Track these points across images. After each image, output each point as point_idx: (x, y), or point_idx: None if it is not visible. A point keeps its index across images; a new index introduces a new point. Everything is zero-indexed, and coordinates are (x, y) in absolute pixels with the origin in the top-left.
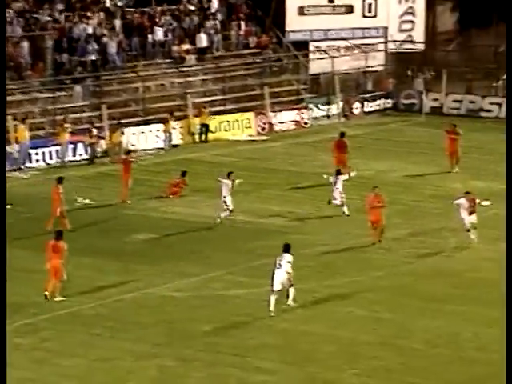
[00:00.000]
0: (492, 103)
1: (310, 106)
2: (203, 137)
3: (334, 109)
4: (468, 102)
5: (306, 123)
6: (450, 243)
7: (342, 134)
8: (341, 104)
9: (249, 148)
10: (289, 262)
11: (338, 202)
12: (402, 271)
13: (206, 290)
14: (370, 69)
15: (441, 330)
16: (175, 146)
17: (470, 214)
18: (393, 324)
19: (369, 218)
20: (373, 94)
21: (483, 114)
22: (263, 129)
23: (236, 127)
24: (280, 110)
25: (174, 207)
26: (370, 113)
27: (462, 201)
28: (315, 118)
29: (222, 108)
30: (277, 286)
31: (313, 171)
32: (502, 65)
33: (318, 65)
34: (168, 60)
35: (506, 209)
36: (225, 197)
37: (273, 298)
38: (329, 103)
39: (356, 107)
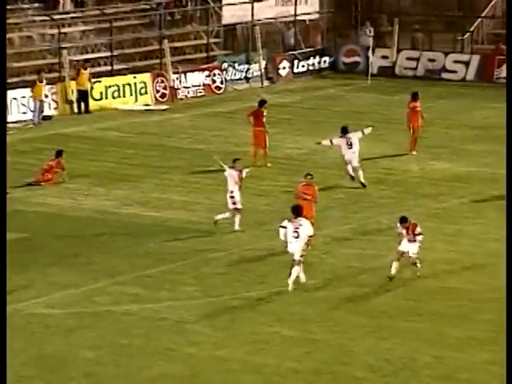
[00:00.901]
0: (457, 61)
1: (224, 65)
2: (83, 106)
3: (255, 69)
4: (426, 60)
5: (218, 88)
6: None
7: (262, 103)
8: (264, 63)
9: (144, 120)
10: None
11: None
12: (342, 279)
13: (87, 306)
14: (301, 17)
15: (391, 353)
16: (47, 117)
17: (410, 242)
18: (330, 347)
19: None
20: (305, 51)
21: (446, 75)
22: (163, 95)
23: (127, 93)
24: (185, 72)
25: (47, 198)
26: (301, 74)
27: (399, 230)
28: (231, 82)
29: (108, 68)
30: (297, 255)
31: (227, 150)
32: (469, 13)
33: (233, 12)
34: (37, 4)
35: (506, 210)
36: (232, 191)
37: (296, 270)
38: (248, 62)
39: (283, 67)
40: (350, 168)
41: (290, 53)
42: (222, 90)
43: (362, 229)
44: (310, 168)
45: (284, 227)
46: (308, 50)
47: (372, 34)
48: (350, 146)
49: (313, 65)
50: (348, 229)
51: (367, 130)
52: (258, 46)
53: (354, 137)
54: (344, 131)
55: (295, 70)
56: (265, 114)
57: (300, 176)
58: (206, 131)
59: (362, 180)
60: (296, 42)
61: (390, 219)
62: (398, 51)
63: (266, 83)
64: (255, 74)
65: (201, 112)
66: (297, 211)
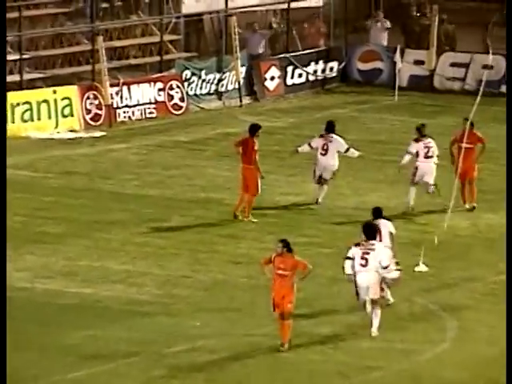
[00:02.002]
0: None
1: (186, 74)
2: None
3: (231, 80)
4: (480, 66)
5: (177, 107)
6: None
7: (254, 129)
8: (243, 71)
9: (69, 154)
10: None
11: None
12: None
13: None
14: (296, 4)
15: None
16: None
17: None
18: None
19: None
20: (303, 53)
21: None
22: (96, 117)
23: (44, 115)
24: (128, 83)
25: None
26: (297, 87)
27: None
28: (196, 98)
29: (15, 78)
30: (364, 295)
31: (191, 197)
32: None
33: None
34: None
35: (506, 209)
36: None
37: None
38: (221, 70)
39: (271, 77)
40: (318, 175)
41: (282, 56)
42: (182, 110)
43: (388, 313)
44: (310, 222)
45: (351, 258)
46: (307, 51)
47: (388, 25)
48: (325, 151)
49: (314, 73)
50: (364, 314)
51: (354, 153)
52: (235, 47)
53: (336, 142)
54: (329, 128)
55: (289, 81)
56: (256, 146)
57: (295, 234)
58: (159, 169)
59: (320, 199)
60: (266, 50)
61: (428, 299)
62: (439, 54)
63: (246, 100)
64: (231, 86)
65: (152, 142)
66: (369, 232)
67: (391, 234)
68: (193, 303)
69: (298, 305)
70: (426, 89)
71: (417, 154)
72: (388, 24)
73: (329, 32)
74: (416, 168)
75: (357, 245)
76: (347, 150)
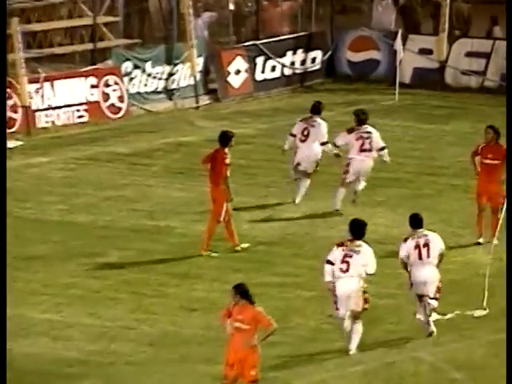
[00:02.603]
0: None
1: (126, 67)
2: None
3: (184, 75)
4: (502, 57)
5: (115, 109)
6: None
7: (225, 138)
8: (201, 63)
9: None
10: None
11: None
12: None
13: None
14: None
15: None
16: None
17: None
18: None
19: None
20: (277, 40)
21: None
22: (10, 122)
23: None
24: (51, 79)
25: None
26: (270, 84)
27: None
28: (138, 97)
29: None
30: (343, 307)
31: (133, 225)
32: None
33: None
34: None
35: (505, 210)
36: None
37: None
38: (171, 62)
39: (237, 71)
40: (292, 169)
41: (250, 44)
42: (121, 113)
43: (388, 372)
44: (287, 257)
45: (331, 263)
46: (283, 38)
47: (391, 4)
48: (305, 137)
49: (292, 66)
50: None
51: (331, 150)
52: (190, 31)
53: (318, 128)
54: (313, 110)
55: (259, 76)
56: (227, 160)
57: (267, 272)
58: (91, 190)
59: (298, 199)
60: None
61: (438, 356)
62: (452, 41)
63: (204, 100)
64: (184, 83)
65: (82, 154)
66: (356, 228)
67: (441, 252)
68: (136, 362)
69: (268, 366)
70: (434, 86)
71: (349, 147)
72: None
73: (309, 12)
74: (348, 165)
75: (339, 245)
76: (324, 143)
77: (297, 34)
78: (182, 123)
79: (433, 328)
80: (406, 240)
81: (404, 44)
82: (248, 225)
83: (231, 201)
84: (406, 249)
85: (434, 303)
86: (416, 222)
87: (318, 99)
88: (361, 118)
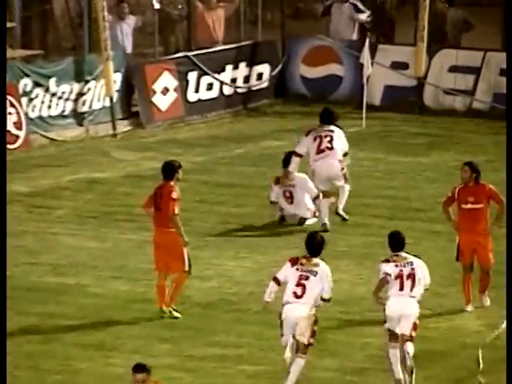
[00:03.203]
0: None
1: (26, 84)
2: None
3: (98, 95)
4: (497, 73)
5: (12, 137)
6: None
7: (170, 169)
8: (118, 80)
9: None
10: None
11: None
12: None
13: None
14: None
15: None
16: None
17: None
18: None
19: None
20: (214, 51)
21: None
22: None
23: None
24: None
25: None
26: (205, 106)
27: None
28: (41, 123)
29: None
30: (288, 333)
31: (38, 284)
32: None
33: None
34: None
35: (506, 210)
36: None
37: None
38: (81, 78)
39: (164, 89)
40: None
41: (181, 55)
42: (19, 143)
43: None
44: (229, 323)
45: (278, 281)
46: (221, 48)
47: (362, 11)
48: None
49: (233, 83)
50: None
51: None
52: (105, 40)
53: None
54: (325, 119)
55: (191, 97)
56: (175, 193)
57: (203, 343)
58: None
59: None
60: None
61: None
62: (432, 52)
63: (123, 126)
64: (98, 105)
65: None
66: (314, 246)
67: (426, 287)
68: None
69: None
70: (411, 108)
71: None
72: (362, 7)
73: (255, 18)
74: (313, 173)
75: (293, 263)
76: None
77: (239, 44)
78: (95, 155)
79: None
80: (386, 261)
81: (373, 56)
82: (190, 281)
83: (186, 245)
84: (389, 269)
85: (411, 349)
86: (397, 243)
87: (265, 124)
88: (324, 118)
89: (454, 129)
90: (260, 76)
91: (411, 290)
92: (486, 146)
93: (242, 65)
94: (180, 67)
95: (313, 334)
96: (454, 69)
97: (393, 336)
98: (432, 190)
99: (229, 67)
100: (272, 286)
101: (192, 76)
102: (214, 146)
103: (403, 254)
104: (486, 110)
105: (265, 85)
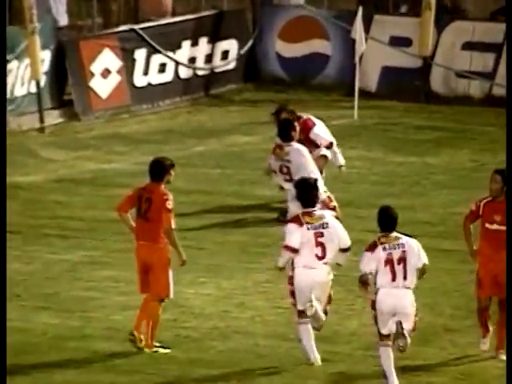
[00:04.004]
0: None
1: None
2: None
3: (22, 78)
4: None
5: None
6: None
7: (162, 168)
8: (48, 59)
9: None
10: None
11: None
12: None
13: None
14: None
15: None
16: None
17: None
18: None
19: None
20: (168, 24)
21: None
22: None
23: None
24: None
25: None
26: (158, 92)
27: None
28: None
29: None
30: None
31: None
32: None
33: None
34: None
35: (506, 210)
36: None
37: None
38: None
39: (105, 71)
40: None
41: (126, 29)
42: None
43: None
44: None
45: (293, 250)
46: (177, 20)
47: None
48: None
49: (191, 64)
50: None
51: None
52: (29, 9)
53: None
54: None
55: (139, 81)
56: (170, 203)
57: None
58: None
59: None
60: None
61: None
62: (442, 25)
63: (53, 118)
64: (21, 91)
65: None
66: (309, 195)
67: (423, 267)
68: None
69: None
70: (415, 95)
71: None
72: None
73: None
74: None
75: (299, 223)
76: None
77: (199, 15)
78: (18, 154)
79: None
80: (372, 248)
81: (367, 30)
82: (126, 312)
83: (183, 264)
84: (374, 261)
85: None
86: (387, 220)
87: (232, 115)
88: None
89: (470, 121)
90: (225, 55)
91: (405, 278)
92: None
93: (203, 40)
94: (124, 44)
95: (329, 301)
96: (469, 46)
97: (385, 336)
98: (442, 198)
99: (186, 44)
100: (287, 255)
101: (140, 55)
102: (167, 142)
103: (394, 234)
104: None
105: (231, 66)
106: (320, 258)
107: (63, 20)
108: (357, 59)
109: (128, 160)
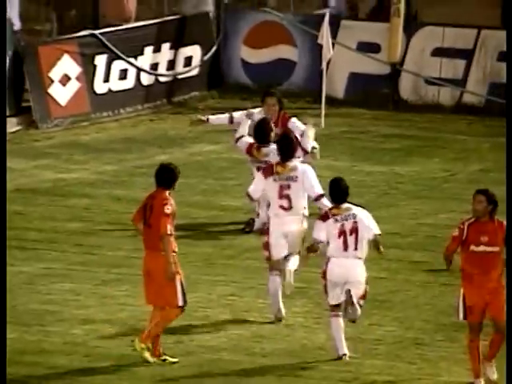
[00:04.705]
0: None
1: None
2: None
3: None
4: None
5: None
6: None
7: (168, 175)
8: (6, 64)
9: None
10: None
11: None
12: None
13: None
14: None
15: None
16: None
17: None
18: None
19: None
20: (129, 28)
21: None
22: None
23: None
24: None
25: None
26: (118, 99)
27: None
28: None
29: None
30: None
31: None
32: None
33: None
34: None
35: (506, 209)
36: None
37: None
38: None
39: (64, 79)
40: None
41: (85, 34)
42: None
43: None
44: None
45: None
46: (139, 25)
47: None
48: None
49: (153, 70)
50: None
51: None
52: None
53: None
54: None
55: (100, 87)
56: (168, 208)
57: None
58: None
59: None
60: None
61: None
62: (411, 30)
63: (10, 126)
64: None
65: None
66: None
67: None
68: None
69: None
70: (384, 103)
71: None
72: None
73: None
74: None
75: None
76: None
77: (161, 19)
78: None
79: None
80: (324, 218)
81: (334, 35)
82: (85, 326)
83: (170, 276)
84: (325, 231)
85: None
86: (339, 191)
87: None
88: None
89: (440, 129)
90: (188, 61)
91: (356, 248)
92: (480, 150)
93: (165, 46)
94: (84, 49)
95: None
96: (439, 52)
97: (335, 306)
98: (411, 209)
99: (148, 49)
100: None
101: (100, 60)
102: (129, 151)
103: (345, 205)
104: (480, 105)
105: (195, 72)
106: (286, 209)
107: (17, 24)
108: (324, 65)
109: (88, 169)
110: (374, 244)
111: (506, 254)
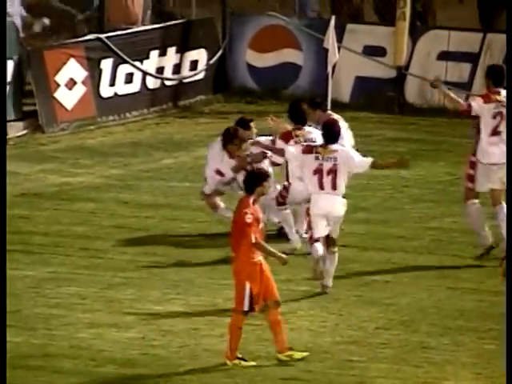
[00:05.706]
0: None
1: None
2: None
3: None
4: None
5: None
6: None
7: (254, 179)
8: (10, 69)
9: None
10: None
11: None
12: None
13: None
14: None
15: None
16: None
17: None
18: None
19: None
20: (134, 33)
21: None
22: None
23: None
24: None
25: None
26: (124, 103)
27: None
28: None
29: None
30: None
31: None
32: None
33: None
34: None
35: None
36: None
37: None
38: None
39: (70, 83)
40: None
41: (91, 38)
42: None
43: None
44: None
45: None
46: (144, 29)
47: None
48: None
49: (159, 74)
50: None
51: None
52: None
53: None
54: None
55: (105, 92)
56: (249, 217)
57: None
58: None
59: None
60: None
61: None
62: (417, 34)
63: (16, 130)
64: None
65: None
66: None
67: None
68: None
69: None
70: (389, 106)
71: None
72: None
73: None
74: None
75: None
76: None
77: (167, 23)
78: None
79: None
80: (308, 150)
81: (340, 39)
82: (91, 330)
83: (284, 263)
84: (301, 159)
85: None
86: (330, 134)
87: (201, 127)
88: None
89: (445, 133)
90: (194, 65)
91: (333, 188)
92: None
93: (171, 50)
94: (90, 53)
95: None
96: (444, 55)
97: (317, 239)
98: (417, 212)
99: (154, 53)
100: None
101: (106, 64)
102: (134, 155)
103: (333, 147)
104: None
105: (200, 76)
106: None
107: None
108: (329, 69)
109: (94, 173)
110: (380, 166)
111: (506, 252)
